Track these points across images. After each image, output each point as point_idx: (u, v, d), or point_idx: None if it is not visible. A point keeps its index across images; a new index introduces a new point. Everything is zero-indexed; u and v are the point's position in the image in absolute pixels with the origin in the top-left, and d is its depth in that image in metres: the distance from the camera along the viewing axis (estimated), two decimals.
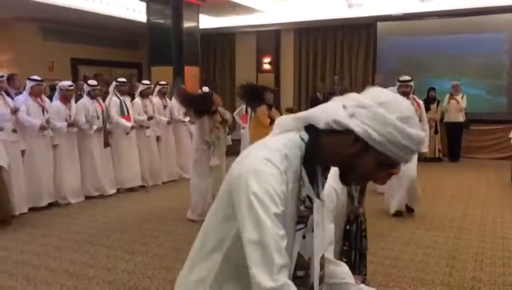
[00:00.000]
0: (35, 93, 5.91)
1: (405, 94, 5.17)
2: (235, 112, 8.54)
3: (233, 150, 6.89)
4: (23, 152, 5.73)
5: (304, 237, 1.17)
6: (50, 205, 6.05)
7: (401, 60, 10.72)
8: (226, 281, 1.21)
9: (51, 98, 6.44)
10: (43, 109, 5.95)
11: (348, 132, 1.12)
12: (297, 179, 1.15)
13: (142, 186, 7.31)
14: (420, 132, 1.14)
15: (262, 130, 6.45)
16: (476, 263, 4.04)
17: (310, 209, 1.17)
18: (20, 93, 6.37)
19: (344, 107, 1.14)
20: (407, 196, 5.45)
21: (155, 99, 7.71)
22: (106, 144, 6.73)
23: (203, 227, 1.29)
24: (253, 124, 6.63)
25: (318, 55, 12.58)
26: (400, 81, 5.55)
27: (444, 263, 4.03)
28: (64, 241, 4.73)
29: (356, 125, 1.11)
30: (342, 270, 1.40)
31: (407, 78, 5.56)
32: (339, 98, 1.19)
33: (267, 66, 13.09)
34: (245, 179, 1.09)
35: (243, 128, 8.43)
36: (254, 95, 6.12)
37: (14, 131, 5.58)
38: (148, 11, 9.55)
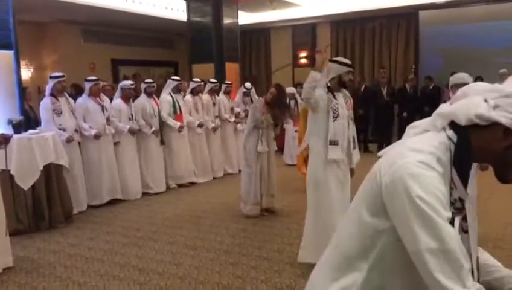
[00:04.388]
0: (94, 93, 6.01)
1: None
2: None
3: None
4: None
5: None
6: (108, 203, 6.12)
7: (445, 50, 10.40)
8: None
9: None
10: (103, 108, 6.05)
11: (495, 125, 1.07)
12: (448, 182, 1.10)
13: (192, 183, 7.35)
14: None
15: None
16: None
17: (459, 211, 1.13)
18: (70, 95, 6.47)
19: (486, 101, 1.09)
20: None
21: (205, 96, 7.73)
22: (162, 142, 6.85)
23: (340, 233, 1.24)
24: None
25: (356, 48, 12.38)
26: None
27: None
28: (127, 237, 4.79)
29: (501, 116, 1.06)
30: (488, 257, 1.33)
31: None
32: (478, 92, 1.14)
33: (303, 61, 12.97)
34: (403, 184, 1.03)
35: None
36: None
37: (76, 131, 5.76)
38: (189, 9, 9.58)
